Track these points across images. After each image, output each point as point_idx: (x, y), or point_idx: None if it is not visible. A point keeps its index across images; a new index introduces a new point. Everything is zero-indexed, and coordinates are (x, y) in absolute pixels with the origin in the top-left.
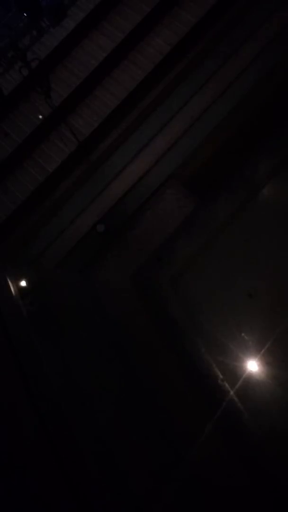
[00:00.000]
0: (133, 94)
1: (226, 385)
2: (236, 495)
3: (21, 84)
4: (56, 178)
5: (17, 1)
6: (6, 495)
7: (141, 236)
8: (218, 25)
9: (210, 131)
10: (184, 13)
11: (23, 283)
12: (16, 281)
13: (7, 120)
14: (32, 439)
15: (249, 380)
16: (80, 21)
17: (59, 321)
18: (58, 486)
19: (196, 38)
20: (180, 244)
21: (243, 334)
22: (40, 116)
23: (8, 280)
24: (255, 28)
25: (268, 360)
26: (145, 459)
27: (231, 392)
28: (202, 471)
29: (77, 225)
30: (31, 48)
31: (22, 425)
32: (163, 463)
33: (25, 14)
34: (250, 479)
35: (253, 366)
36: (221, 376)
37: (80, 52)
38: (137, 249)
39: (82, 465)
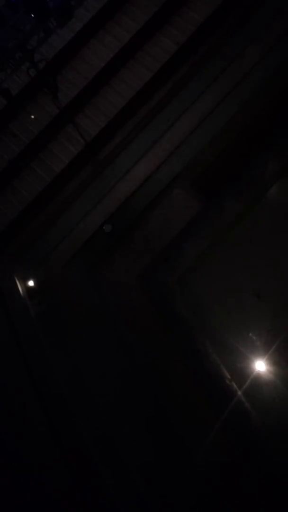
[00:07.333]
0: (141, 94)
1: (234, 385)
2: (238, 492)
3: (28, 85)
4: (64, 178)
5: (25, 2)
6: (15, 487)
7: (148, 236)
8: (225, 25)
9: (218, 131)
10: (192, 12)
11: (31, 283)
12: (24, 281)
13: (15, 121)
14: (39, 435)
15: (257, 380)
16: (87, 22)
17: (66, 320)
18: (65, 480)
19: (203, 38)
20: (187, 244)
21: (250, 334)
22: (32, 116)
23: (16, 280)
24: (262, 27)
25: (276, 360)
26: (150, 456)
27: (239, 392)
28: (208, 470)
29: (85, 225)
30: (38, 49)
31: (30, 422)
32: (169, 461)
33: (32, 15)
34: (252, 477)
35: (260, 366)
36: (228, 376)
37: (88, 52)
38: (144, 249)
39: (88, 462)
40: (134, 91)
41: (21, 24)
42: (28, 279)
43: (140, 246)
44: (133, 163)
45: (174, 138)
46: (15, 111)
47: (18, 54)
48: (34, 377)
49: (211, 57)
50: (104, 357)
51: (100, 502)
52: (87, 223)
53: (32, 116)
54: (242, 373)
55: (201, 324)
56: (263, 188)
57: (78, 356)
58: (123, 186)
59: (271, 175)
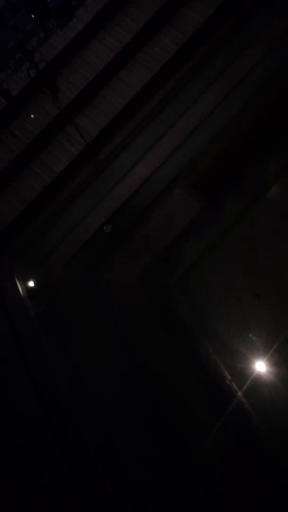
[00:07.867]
0: (141, 94)
1: (234, 385)
2: (238, 492)
3: (29, 85)
4: (64, 179)
5: (25, 2)
6: (13, 487)
7: (148, 237)
8: (225, 25)
9: (218, 131)
10: (192, 13)
11: (31, 284)
12: (24, 282)
13: (14, 121)
14: (39, 435)
15: (257, 381)
16: (88, 22)
17: (66, 321)
18: (65, 480)
19: (203, 38)
20: (187, 245)
21: (250, 335)
22: (32, 116)
23: (17, 280)
24: (263, 27)
25: (276, 361)
26: (150, 457)
27: (239, 393)
28: (208, 470)
29: (85, 226)
30: (38, 50)
31: (30, 422)
32: (169, 461)
33: (32, 16)
34: (252, 477)
35: (261, 366)
36: (228, 377)
37: (88, 53)
38: (144, 250)
39: (88, 462)
40: (134, 92)
41: (21, 25)
42: (28, 279)
43: (140, 246)
44: (133, 163)
45: (174, 138)
46: (15, 112)
47: (18, 55)
48: (34, 377)
49: (211, 57)
50: (104, 357)
51: (100, 502)
52: (87, 223)
53: (32, 116)
54: (242, 374)
55: (201, 324)
56: (263, 188)
57: (78, 356)
58: (123, 186)
59: (271, 175)
